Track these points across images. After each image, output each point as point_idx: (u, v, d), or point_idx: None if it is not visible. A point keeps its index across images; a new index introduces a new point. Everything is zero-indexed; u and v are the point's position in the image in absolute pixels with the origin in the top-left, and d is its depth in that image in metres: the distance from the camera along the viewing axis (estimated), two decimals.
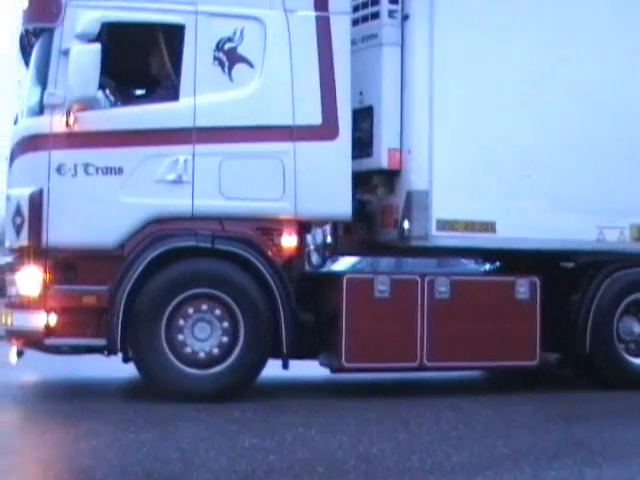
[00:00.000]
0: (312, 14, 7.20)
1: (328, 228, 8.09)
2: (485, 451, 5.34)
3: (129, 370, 7.22)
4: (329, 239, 8.06)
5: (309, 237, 8.01)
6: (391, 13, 7.50)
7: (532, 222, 7.53)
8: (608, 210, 7.77)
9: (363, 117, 7.62)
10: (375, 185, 7.74)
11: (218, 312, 6.90)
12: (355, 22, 7.72)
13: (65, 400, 6.84)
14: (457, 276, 7.74)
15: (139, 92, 7.54)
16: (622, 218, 7.79)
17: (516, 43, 7.52)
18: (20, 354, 6.99)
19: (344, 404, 7.06)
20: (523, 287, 7.58)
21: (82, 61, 6.53)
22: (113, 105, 7.17)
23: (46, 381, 8.50)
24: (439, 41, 7.35)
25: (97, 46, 6.56)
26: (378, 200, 7.80)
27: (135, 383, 7.57)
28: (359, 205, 7.82)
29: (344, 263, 11.42)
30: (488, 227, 7.42)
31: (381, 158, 7.46)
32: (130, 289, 6.67)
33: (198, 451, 5.14)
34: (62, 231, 6.69)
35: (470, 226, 7.39)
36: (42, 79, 6.85)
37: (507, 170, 7.52)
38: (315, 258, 8.06)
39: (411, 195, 7.34)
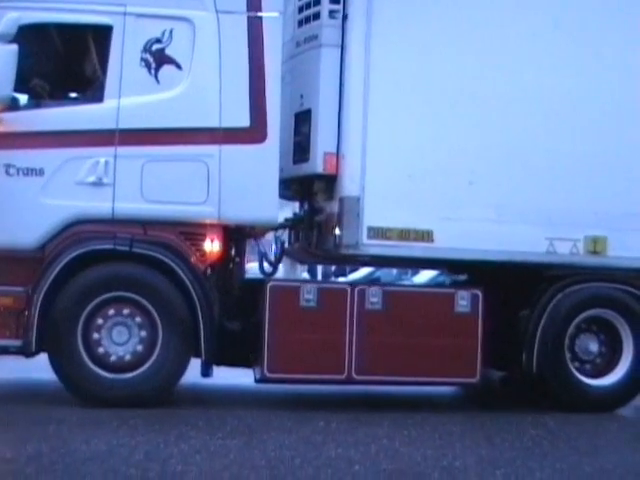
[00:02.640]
0: (244, 15, 7.25)
1: (279, 236, 8.21)
2: (569, 468, 5.48)
3: (217, 376, 7.45)
4: (276, 247, 8.21)
5: (259, 245, 8.18)
6: (332, 13, 7.50)
7: (474, 232, 7.39)
8: (560, 221, 7.58)
9: (303, 121, 7.66)
10: (316, 191, 7.73)
11: (137, 318, 7.03)
12: (300, 23, 7.78)
13: (153, 406, 6.99)
14: (391, 287, 7.65)
15: (64, 93, 7.67)
16: (575, 230, 7.58)
17: (458, 46, 7.42)
18: None
19: (428, 417, 7.16)
20: (464, 300, 7.45)
21: None
22: (37, 106, 7.32)
23: None
24: (376, 42, 7.31)
25: (13, 47, 6.76)
26: (323, 207, 7.79)
27: (219, 390, 8.00)
28: (310, 213, 7.88)
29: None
30: (424, 236, 7.30)
31: (317, 163, 7.45)
32: (47, 290, 6.85)
33: (284, 459, 5.42)
34: None
35: (405, 234, 7.29)
36: None
37: (447, 177, 7.40)
38: (266, 265, 8.17)
39: (343, 201, 7.31)
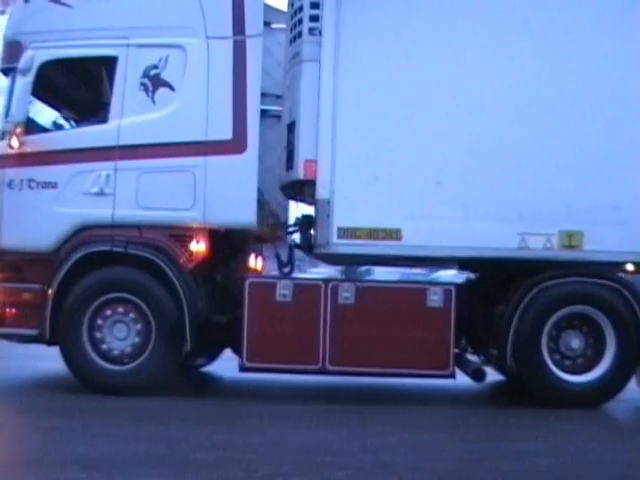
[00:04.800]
0: (230, 40, 8.20)
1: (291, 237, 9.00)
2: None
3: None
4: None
5: (275, 248, 9.06)
6: (311, 30, 8.27)
7: (443, 229, 7.85)
8: (532, 217, 7.86)
9: (290, 131, 8.44)
10: (305, 196, 8.47)
11: (132, 314, 8.11)
12: (291, 42, 8.60)
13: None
14: (363, 282, 8.19)
15: (76, 117, 8.95)
16: (549, 224, 7.81)
17: (419, 53, 7.94)
18: None
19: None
20: (436, 295, 7.88)
21: (16, 92, 8.14)
22: (53, 129, 8.63)
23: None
24: (344, 55, 8.00)
25: (29, 80, 8.11)
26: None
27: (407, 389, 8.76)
28: (306, 216, 8.63)
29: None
30: (393, 234, 7.83)
31: (299, 169, 8.20)
32: (57, 287, 8.08)
33: (481, 452, 6.07)
34: (11, 237, 8.29)
35: (373, 233, 7.87)
36: (4, 109, 8.53)
37: (414, 177, 7.92)
38: (281, 266, 9.01)
39: (317, 204, 8.01)
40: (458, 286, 8.08)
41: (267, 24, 8.89)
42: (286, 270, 9.13)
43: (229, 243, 8.63)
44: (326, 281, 8.11)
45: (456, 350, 8.08)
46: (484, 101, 7.90)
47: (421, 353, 7.90)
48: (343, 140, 7.94)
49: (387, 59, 7.96)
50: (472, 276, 9.30)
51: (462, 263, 8.94)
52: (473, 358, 8.42)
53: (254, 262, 9.17)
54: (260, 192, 9.00)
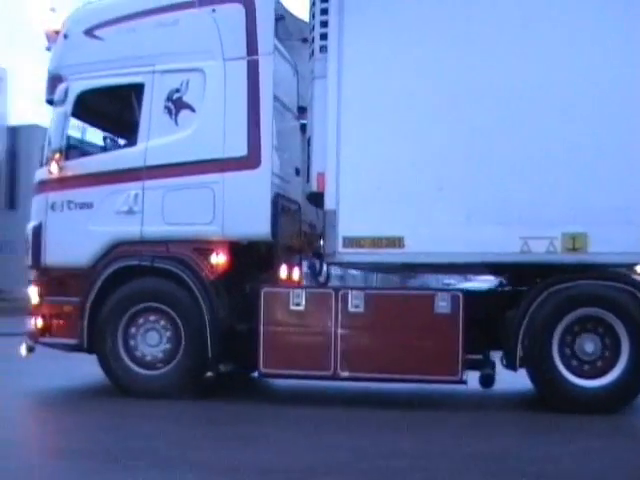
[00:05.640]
0: (244, 60, 8.66)
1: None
2: None
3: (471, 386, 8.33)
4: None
5: (309, 259, 9.45)
6: (321, 48, 8.59)
7: (445, 235, 7.99)
8: (533, 220, 7.86)
9: (308, 145, 8.79)
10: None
11: (163, 323, 8.71)
12: (309, 59, 8.94)
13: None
14: (372, 290, 8.37)
15: (109, 142, 9.60)
16: (551, 227, 7.80)
17: (420, 64, 8.13)
18: (31, 350, 9.38)
19: None
20: (444, 301, 8.00)
21: (54, 121, 8.91)
22: (88, 154, 9.34)
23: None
24: (347, 70, 8.30)
25: (65, 110, 8.88)
26: None
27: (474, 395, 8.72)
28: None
29: None
30: (396, 242, 8.03)
31: (312, 182, 8.55)
32: (93, 300, 8.77)
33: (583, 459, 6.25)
34: (54, 255, 9.06)
35: (377, 242, 8.11)
36: (47, 137, 9.32)
37: (416, 185, 8.10)
38: (317, 275, 9.39)
39: (325, 215, 8.32)
40: (467, 292, 8.15)
41: (305, 40, 9.36)
42: (321, 279, 9.52)
43: (256, 255, 9.07)
44: (337, 289, 8.39)
45: (472, 356, 8.16)
46: (483, 106, 7.98)
47: (430, 359, 8.04)
48: (347, 152, 8.24)
49: (388, 74, 8.22)
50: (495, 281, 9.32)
51: (492, 268, 8.98)
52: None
53: (288, 272, 9.55)
54: (296, 203, 9.46)
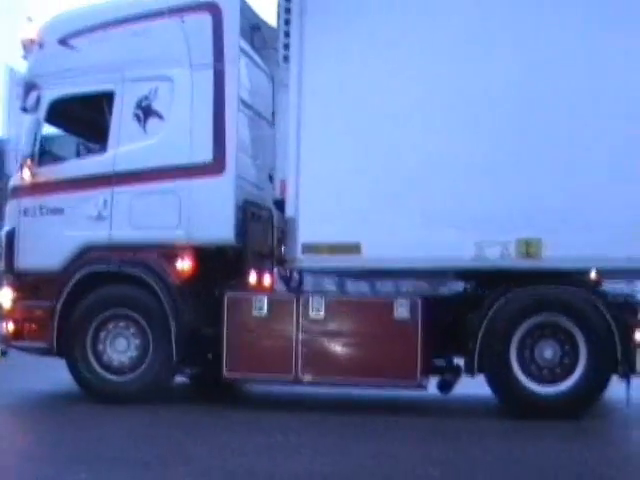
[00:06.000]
0: (211, 67, 8.80)
1: None
2: None
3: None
4: None
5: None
6: (285, 58, 8.76)
7: (400, 241, 8.06)
8: (488, 225, 7.90)
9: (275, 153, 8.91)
10: None
11: (131, 329, 8.84)
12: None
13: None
14: (333, 296, 8.45)
15: (80, 148, 9.78)
16: (505, 233, 7.82)
17: (376, 70, 8.21)
18: (3, 353, 9.54)
19: None
20: (402, 307, 8.06)
21: (26, 128, 9.10)
22: (60, 160, 9.50)
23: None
24: (307, 79, 8.42)
25: (35, 117, 9.08)
26: None
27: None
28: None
29: None
30: (352, 249, 8.11)
31: (276, 188, 8.64)
32: (62, 305, 8.92)
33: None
34: (26, 259, 9.22)
35: (334, 249, 8.20)
36: (20, 144, 9.50)
37: (373, 191, 8.19)
38: (287, 281, 9.48)
39: (286, 222, 8.44)
40: (426, 298, 8.21)
41: None
42: (292, 285, 9.60)
43: (225, 260, 9.18)
44: (298, 295, 8.49)
45: (433, 361, 8.22)
46: (436, 110, 8.07)
47: (389, 364, 8.11)
48: (307, 160, 8.36)
49: (346, 81, 8.31)
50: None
51: (455, 274, 9.00)
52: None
53: (258, 278, 9.63)
54: (268, 210, 9.58)
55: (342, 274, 9.66)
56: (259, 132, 9.85)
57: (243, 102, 9.54)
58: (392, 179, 8.13)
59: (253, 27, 10.19)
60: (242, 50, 9.62)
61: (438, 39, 8.08)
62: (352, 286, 12.84)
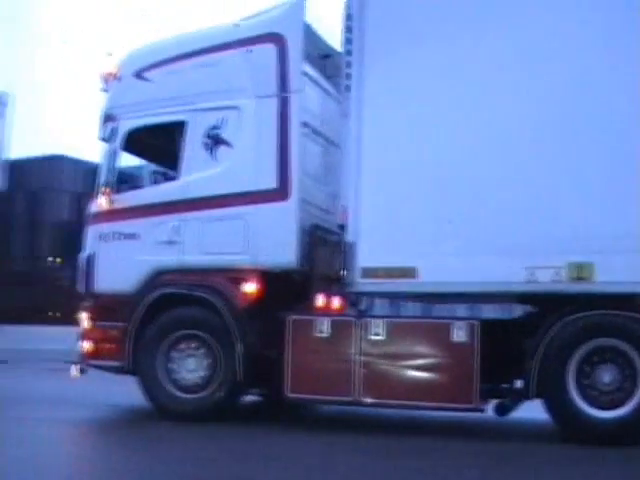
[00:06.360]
0: (275, 96, 9.15)
1: None
2: None
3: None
4: None
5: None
6: (346, 87, 8.95)
7: (452, 266, 8.20)
8: (539, 250, 7.95)
9: None
10: None
11: (202, 349, 9.22)
12: None
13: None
14: (392, 318, 8.60)
15: (159, 175, 10.24)
16: (557, 257, 7.86)
17: (431, 103, 8.40)
18: (82, 371, 10.04)
19: None
20: (460, 330, 8.15)
21: (104, 158, 9.64)
22: (135, 188, 9.99)
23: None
24: (367, 109, 8.63)
25: (113, 147, 9.62)
26: None
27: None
28: None
29: None
30: (408, 273, 8.29)
31: (338, 214, 8.88)
32: (137, 326, 9.37)
33: None
34: (103, 282, 9.77)
35: (391, 272, 8.40)
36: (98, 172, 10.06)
37: (427, 217, 8.37)
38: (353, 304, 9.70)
39: (346, 246, 8.65)
40: (484, 321, 8.29)
41: None
42: (360, 308, 9.80)
43: (291, 283, 9.45)
44: (358, 317, 8.69)
45: (491, 385, 8.27)
46: (488, 143, 8.19)
47: (447, 387, 8.22)
48: (365, 187, 8.58)
49: (403, 111, 8.50)
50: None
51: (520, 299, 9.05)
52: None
53: (326, 301, 9.84)
54: (337, 234, 9.81)
55: (399, 297, 9.83)
56: (330, 159, 10.15)
57: (313, 130, 9.94)
58: (444, 206, 8.29)
59: (324, 56, 10.54)
60: (312, 78, 10.03)
61: (496, 67, 8.19)
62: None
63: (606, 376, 7.89)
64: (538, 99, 8.06)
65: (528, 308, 8.49)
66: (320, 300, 9.72)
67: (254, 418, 9.89)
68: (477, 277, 8.08)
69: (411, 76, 8.52)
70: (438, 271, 8.24)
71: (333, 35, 10.35)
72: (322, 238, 9.65)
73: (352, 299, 9.71)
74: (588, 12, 8.02)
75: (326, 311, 9.58)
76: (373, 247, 8.50)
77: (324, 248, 9.66)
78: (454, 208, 8.25)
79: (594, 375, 7.93)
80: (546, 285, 7.89)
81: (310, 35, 10.00)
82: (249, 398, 10.11)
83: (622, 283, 7.67)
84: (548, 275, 7.87)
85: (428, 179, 8.38)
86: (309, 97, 9.85)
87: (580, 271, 7.77)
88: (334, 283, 10.05)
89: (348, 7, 8.82)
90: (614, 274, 7.67)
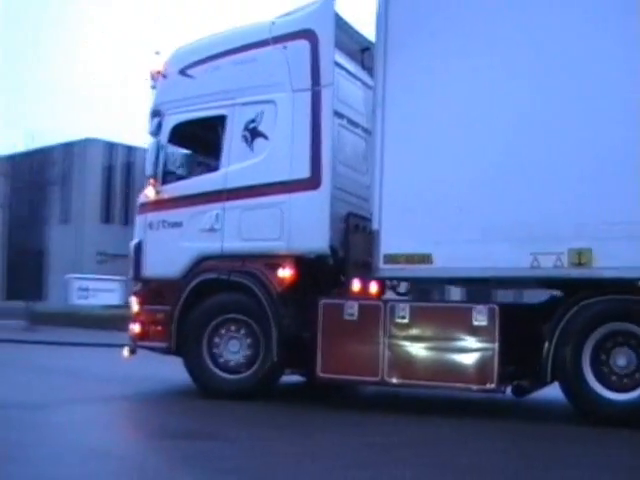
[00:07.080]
0: (309, 90, 9.63)
1: None
2: None
3: None
4: None
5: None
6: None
7: (464, 252, 8.64)
8: (542, 237, 8.30)
9: None
10: None
11: (243, 332, 9.83)
12: None
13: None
14: (416, 302, 8.99)
15: (202, 167, 10.80)
16: (558, 243, 8.19)
17: (449, 94, 8.80)
18: (132, 352, 10.72)
19: None
20: (481, 314, 8.52)
21: (150, 151, 10.27)
22: (179, 179, 10.58)
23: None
24: (389, 102, 9.10)
25: (158, 140, 10.23)
26: None
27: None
28: None
29: None
30: (425, 259, 8.75)
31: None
32: (180, 309, 10.00)
33: None
34: (151, 268, 10.45)
35: (410, 258, 8.85)
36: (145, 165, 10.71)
37: (442, 206, 8.80)
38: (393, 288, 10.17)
39: (372, 234, 9.11)
40: (503, 305, 8.63)
41: None
42: (400, 291, 10.22)
43: (326, 269, 9.94)
44: (385, 301, 9.13)
45: (511, 367, 8.63)
46: (496, 135, 8.56)
47: (468, 369, 8.60)
48: (388, 178, 9.06)
49: (425, 107, 8.94)
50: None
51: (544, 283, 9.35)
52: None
53: (362, 286, 10.27)
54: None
55: (417, 282, 10.24)
56: (366, 149, 10.58)
57: (349, 120, 10.41)
58: (457, 196, 8.71)
59: (363, 49, 10.98)
60: (349, 71, 10.50)
61: (511, 64, 8.52)
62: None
63: (621, 359, 8.18)
64: (548, 93, 8.36)
65: (547, 293, 8.80)
66: (356, 285, 10.22)
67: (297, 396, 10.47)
68: (484, 263, 8.48)
69: (429, 72, 8.92)
70: (450, 258, 8.67)
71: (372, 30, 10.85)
72: (357, 225, 10.11)
73: (392, 284, 10.19)
74: (602, 13, 8.25)
75: (362, 295, 10.10)
76: (394, 234, 8.97)
77: (359, 235, 10.11)
78: (463, 198, 8.66)
79: (609, 359, 8.22)
80: (549, 270, 8.24)
81: (347, 30, 10.49)
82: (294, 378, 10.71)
83: (619, 269, 7.92)
84: (550, 261, 8.19)
85: (441, 171, 8.82)
86: (345, 89, 10.36)
87: (580, 257, 8.07)
88: (368, 268, 10.61)
89: (378, 6, 9.30)
90: (611, 260, 7.92)
